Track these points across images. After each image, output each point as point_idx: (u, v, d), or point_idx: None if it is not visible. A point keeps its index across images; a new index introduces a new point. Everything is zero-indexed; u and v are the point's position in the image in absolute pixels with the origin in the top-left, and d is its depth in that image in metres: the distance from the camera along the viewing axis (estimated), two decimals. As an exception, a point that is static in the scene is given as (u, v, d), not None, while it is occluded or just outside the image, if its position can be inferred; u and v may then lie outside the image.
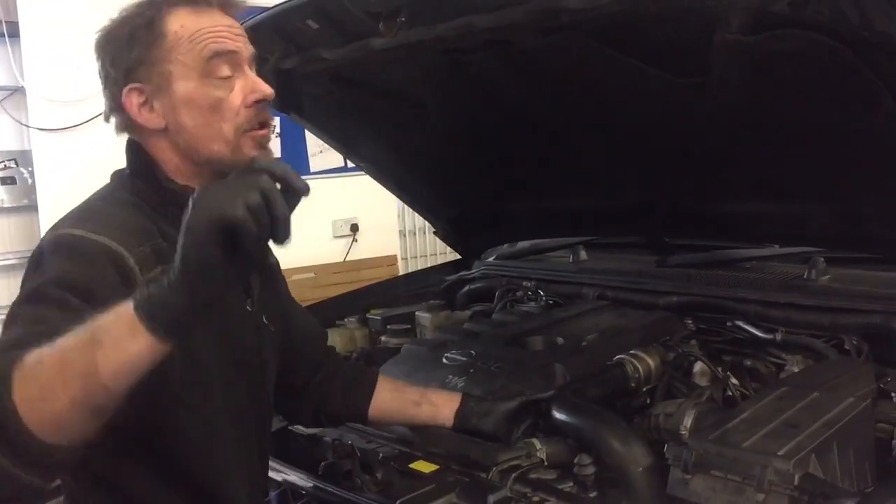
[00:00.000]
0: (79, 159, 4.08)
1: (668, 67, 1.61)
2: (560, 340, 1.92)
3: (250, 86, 1.28)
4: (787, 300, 1.88)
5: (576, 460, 1.41)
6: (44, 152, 4.26)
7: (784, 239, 2.09)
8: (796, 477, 1.18)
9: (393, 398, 1.65)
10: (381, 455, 1.52)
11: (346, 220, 5.26)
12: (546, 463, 1.45)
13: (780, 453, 1.22)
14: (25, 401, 0.96)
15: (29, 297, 1.13)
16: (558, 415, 1.53)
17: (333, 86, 2.10)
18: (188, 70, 1.26)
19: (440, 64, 1.87)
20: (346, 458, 1.53)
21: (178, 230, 0.99)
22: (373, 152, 2.50)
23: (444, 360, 1.81)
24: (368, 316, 2.37)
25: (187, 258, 0.97)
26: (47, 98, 4.19)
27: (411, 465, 1.49)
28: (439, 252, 5.50)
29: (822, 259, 1.97)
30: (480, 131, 2.17)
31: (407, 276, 3.07)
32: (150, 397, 1.09)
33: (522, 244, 2.72)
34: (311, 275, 4.92)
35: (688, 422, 1.49)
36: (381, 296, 2.53)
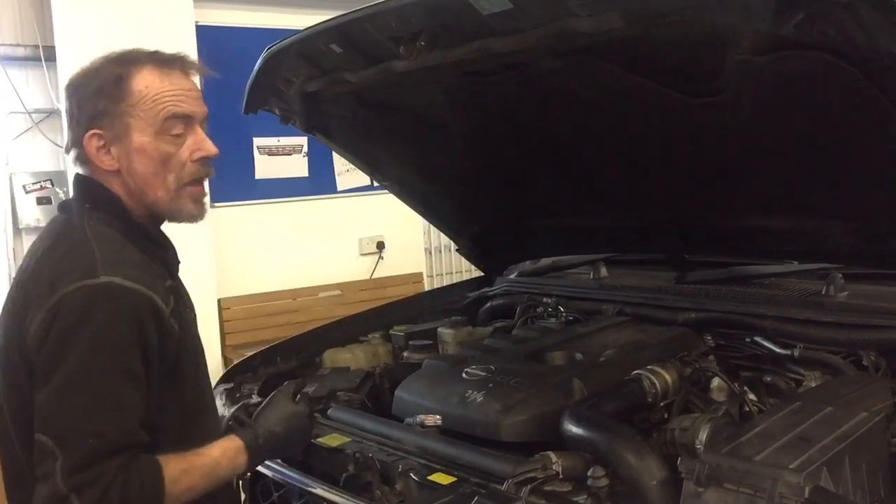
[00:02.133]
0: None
1: (683, 88, 1.65)
2: (579, 356, 1.94)
3: (197, 144, 1.47)
4: (805, 316, 1.89)
5: (589, 472, 1.43)
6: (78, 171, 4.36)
7: (802, 255, 2.10)
8: (807, 490, 1.19)
9: None
10: (400, 467, 1.55)
11: (373, 238, 5.32)
12: (561, 475, 1.47)
13: (791, 466, 1.23)
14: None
15: (98, 367, 1.30)
16: (574, 428, 1.56)
17: (357, 107, 2.16)
18: (146, 125, 1.43)
19: (460, 86, 1.92)
20: (367, 470, 1.56)
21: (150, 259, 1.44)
22: (396, 171, 2.56)
23: (464, 375, 1.85)
24: (391, 332, 2.41)
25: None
26: (82, 119, 4.30)
27: (430, 477, 1.52)
28: (465, 269, 5.52)
29: (840, 275, 1.97)
30: (501, 151, 2.21)
31: (430, 292, 3.11)
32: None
33: (544, 261, 2.75)
34: (338, 292, 4.98)
35: (703, 436, 1.51)
36: (404, 312, 2.57)
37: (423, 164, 2.47)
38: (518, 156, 2.20)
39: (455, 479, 1.51)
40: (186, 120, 1.46)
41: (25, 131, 4.44)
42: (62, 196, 4.52)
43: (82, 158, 1.48)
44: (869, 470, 1.34)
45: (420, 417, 1.73)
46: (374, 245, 5.34)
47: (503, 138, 2.15)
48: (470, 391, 1.77)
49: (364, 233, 5.30)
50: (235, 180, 4.71)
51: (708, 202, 2.04)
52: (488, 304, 2.62)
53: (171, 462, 1.35)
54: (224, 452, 1.45)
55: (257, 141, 4.88)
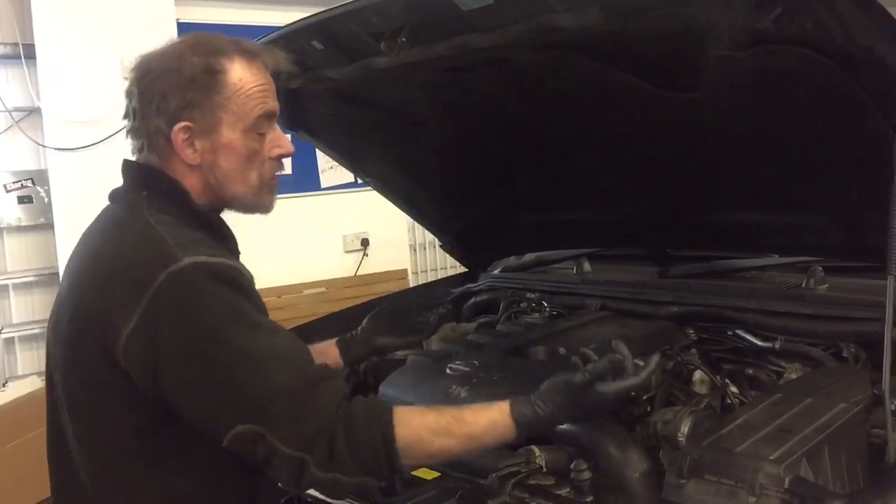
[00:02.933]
0: (94, 178, 4.15)
1: (664, 83, 1.65)
2: (562, 350, 1.95)
3: (276, 141, 1.45)
4: (786, 309, 1.90)
5: (572, 466, 1.44)
6: (59, 171, 4.34)
7: (783, 249, 2.12)
8: (787, 480, 1.20)
9: None
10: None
11: (357, 235, 5.32)
12: (544, 469, 1.48)
13: (771, 457, 1.24)
14: (409, 458, 1.30)
15: (235, 336, 1.25)
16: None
17: (339, 104, 2.16)
18: (236, 121, 1.38)
19: (442, 82, 1.92)
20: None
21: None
22: (379, 168, 2.56)
23: (448, 371, 1.85)
24: (375, 328, 2.40)
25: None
26: (62, 118, 4.28)
27: (414, 472, 1.53)
28: (450, 266, 5.54)
29: (821, 268, 1.99)
30: (483, 147, 2.21)
31: (414, 289, 3.11)
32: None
33: (527, 256, 2.76)
34: (323, 289, 4.97)
35: (685, 428, 1.51)
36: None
37: (405, 161, 2.47)
38: (500, 152, 2.20)
39: (439, 474, 1.51)
40: (272, 117, 1.44)
41: (5, 130, 4.41)
42: (42, 195, 4.49)
43: (161, 150, 1.40)
44: (848, 460, 1.35)
45: (404, 413, 1.73)
46: (359, 242, 5.34)
47: (485, 134, 2.15)
48: (454, 387, 1.78)
49: (348, 230, 5.30)
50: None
51: (689, 197, 2.05)
52: (472, 300, 2.62)
53: (419, 415, 1.32)
54: (492, 426, 1.34)
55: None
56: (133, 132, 1.42)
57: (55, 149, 4.31)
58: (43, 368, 1.48)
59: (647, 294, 2.20)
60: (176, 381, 1.24)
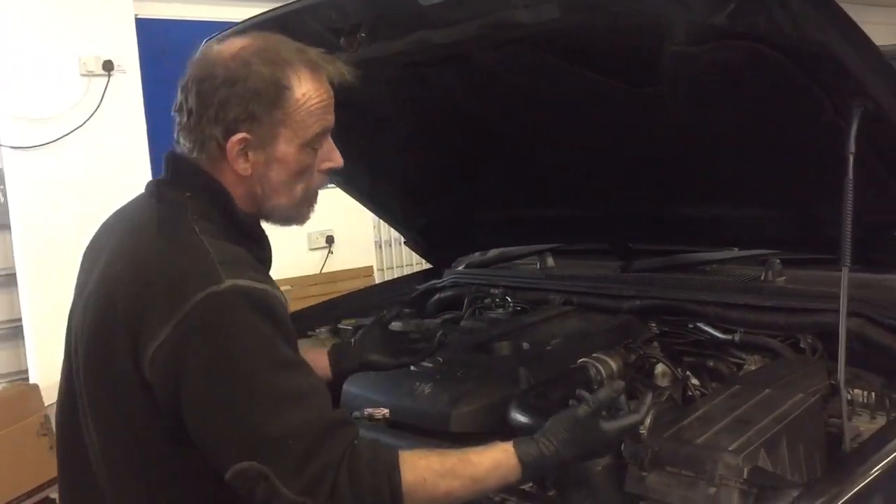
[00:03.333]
0: (51, 177, 4.08)
1: (622, 78, 1.67)
2: (526, 346, 1.96)
3: (328, 154, 1.41)
4: (745, 302, 1.93)
5: (535, 460, 1.44)
6: (15, 171, 4.25)
7: (742, 242, 2.14)
8: (745, 470, 1.22)
9: None
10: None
11: (322, 233, 5.28)
12: (508, 464, 1.48)
13: (730, 448, 1.26)
14: (414, 501, 1.25)
15: (261, 369, 1.22)
16: (521, 417, 1.57)
17: (300, 100, 2.13)
18: (294, 136, 1.34)
19: (403, 78, 1.92)
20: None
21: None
22: (342, 166, 2.53)
23: (412, 368, 1.85)
24: (339, 326, 2.40)
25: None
26: (18, 116, 4.19)
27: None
28: (416, 263, 5.52)
29: (778, 261, 2.02)
30: (446, 143, 2.21)
31: (379, 285, 3.11)
32: None
33: (491, 252, 2.76)
34: (288, 287, 4.93)
35: (647, 421, 1.53)
36: (352, 306, 2.56)
37: (369, 158, 2.45)
38: (463, 148, 2.20)
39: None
40: (328, 132, 1.40)
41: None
42: (0, 197, 4.40)
43: (206, 151, 1.34)
44: (806, 449, 1.38)
45: (368, 410, 1.72)
46: (324, 239, 5.30)
47: (448, 130, 2.15)
48: (418, 383, 1.78)
49: (313, 227, 5.24)
50: (180, 176, 4.63)
51: (650, 191, 2.07)
52: (436, 297, 2.62)
53: (423, 458, 1.27)
54: (497, 467, 1.29)
55: (202, 136, 4.80)
56: (185, 131, 1.35)
57: (11, 147, 4.22)
58: (2, 369, 1.44)
59: (609, 288, 2.22)
60: (193, 402, 1.22)
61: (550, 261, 2.57)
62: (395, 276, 5.03)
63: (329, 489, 1.20)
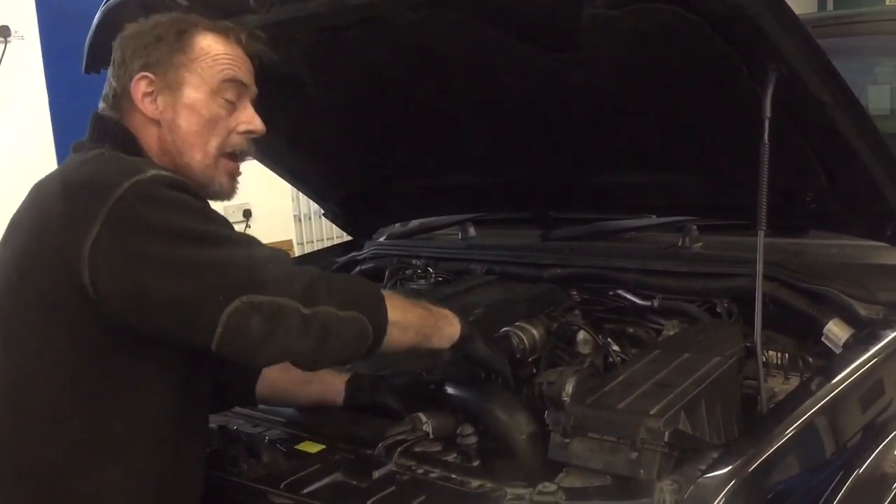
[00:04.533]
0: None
1: (541, 43, 1.64)
2: (449, 316, 1.94)
3: (247, 117, 1.46)
4: (663, 268, 1.95)
5: (458, 431, 1.43)
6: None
7: (660, 209, 2.17)
8: (666, 434, 1.23)
9: (281, 377, 1.63)
10: (266, 438, 1.51)
11: (239, 206, 5.15)
12: (431, 436, 1.47)
13: (651, 412, 1.27)
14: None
15: (227, 224, 1.30)
16: (445, 388, 1.55)
17: (209, 66, 2.04)
18: (201, 82, 1.41)
19: (318, 42, 1.84)
20: (232, 443, 1.51)
21: None
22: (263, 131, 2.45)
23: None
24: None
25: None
26: None
27: (298, 447, 1.49)
28: (336, 236, 5.45)
29: (695, 227, 2.05)
30: (364, 111, 2.15)
31: (299, 258, 3.03)
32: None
33: (412, 223, 2.73)
34: (204, 263, 4.81)
35: (569, 388, 1.53)
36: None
37: (283, 127, 2.36)
38: (381, 116, 2.15)
39: (323, 447, 1.48)
40: (241, 88, 1.45)
41: None
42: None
43: (119, 105, 1.43)
44: (724, 411, 1.40)
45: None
46: (241, 213, 5.18)
47: (365, 98, 2.09)
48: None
49: (229, 201, 5.13)
50: (86, 149, 4.44)
51: (570, 159, 2.06)
52: (357, 269, 2.57)
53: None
54: (446, 322, 1.48)
55: (109, 106, 4.61)
56: (104, 94, 1.46)
57: None
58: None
59: (531, 257, 2.22)
60: (153, 281, 1.20)
61: (472, 231, 2.55)
62: (316, 250, 4.98)
63: (326, 289, 1.28)
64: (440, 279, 2.33)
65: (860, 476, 1.27)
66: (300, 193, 5.17)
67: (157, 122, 1.41)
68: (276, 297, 1.22)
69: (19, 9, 4.15)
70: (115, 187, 1.21)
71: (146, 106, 1.40)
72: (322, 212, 2.83)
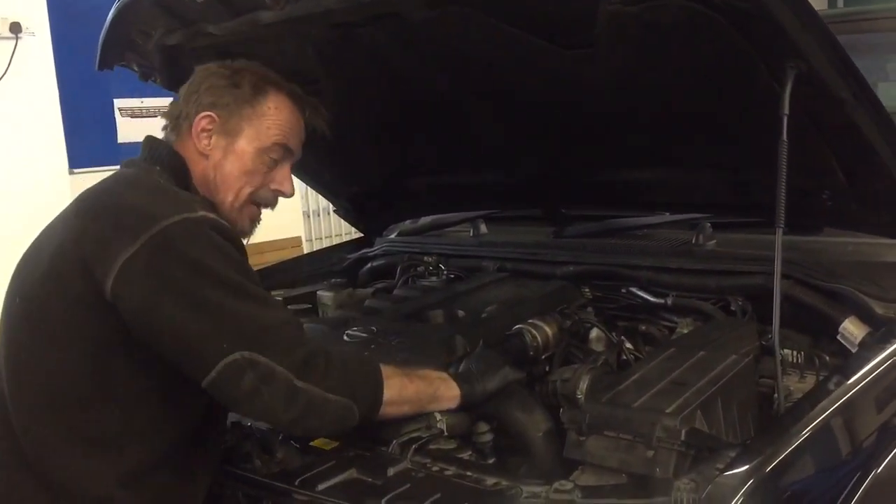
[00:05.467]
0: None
1: (557, 39, 1.63)
2: (461, 313, 1.94)
3: (281, 178, 1.59)
4: (677, 265, 1.94)
5: (474, 428, 1.43)
6: None
7: (673, 206, 2.16)
8: (683, 432, 1.23)
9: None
10: (280, 435, 1.50)
11: (247, 203, 5.15)
12: (446, 433, 1.47)
13: (667, 411, 1.26)
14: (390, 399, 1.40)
15: (241, 276, 1.33)
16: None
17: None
18: (255, 137, 1.53)
19: (332, 38, 1.84)
20: (246, 439, 1.50)
21: None
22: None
23: (346, 338, 1.80)
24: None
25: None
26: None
27: (312, 443, 1.48)
28: (345, 232, 5.45)
29: (709, 225, 2.04)
30: (377, 107, 2.15)
31: (308, 255, 3.03)
32: None
33: (424, 220, 2.72)
34: (213, 259, 4.81)
35: (583, 386, 1.53)
36: (282, 276, 2.50)
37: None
38: (395, 113, 2.15)
39: (337, 443, 1.47)
40: (287, 154, 1.58)
41: None
42: None
43: (179, 127, 1.54)
44: (739, 409, 1.39)
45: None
46: (250, 210, 5.18)
47: (378, 94, 2.09)
48: (351, 353, 1.73)
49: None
50: (96, 144, 4.44)
51: (584, 156, 2.06)
52: (368, 266, 2.57)
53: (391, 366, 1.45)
54: (445, 388, 1.48)
55: (118, 102, 4.62)
56: (169, 114, 1.57)
57: None
58: None
59: (543, 254, 2.21)
60: (171, 307, 1.27)
61: (483, 228, 2.55)
62: (325, 247, 4.98)
63: (323, 368, 1.32)
64: (452, 276, 2.33)
65: (878, 476, 1.26)
66: (309, 189, 5.17)
67: (206, 156, 1.52)
68: (273, 362, 1.27)
69: (30, 5, 4.15)
70: (163, 218, 1.30)
71: (200, 140, 1.51)
72: (332, 208, 2.82)
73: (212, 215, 1.37)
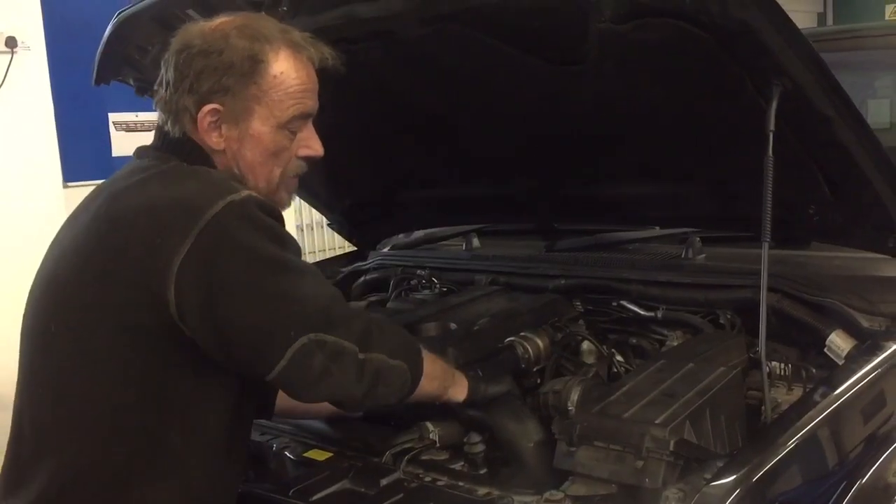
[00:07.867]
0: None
1: (548, 56, 1.66)
2: (453, 326, 1.95)
3: (307, 140, 1.43)
4: (667, 279, 1.96)
5: (465, 439, 1.45)
6: None
7: (663, 220, 2.19)
8: (672, 443, 1.24)
9: None
10: (274, 446, 1.52)
11: (242, 217, 5.17)
12: (438, 444, 1.48)
13: (656, 422, 1.28)
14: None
15: (293, 268, 1.28)
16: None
17: (219, 77, 2.06)
18: (269, 115, 1.36)
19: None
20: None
21: None
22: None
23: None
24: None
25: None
26: None
27: (305, 454, 1.50)
28: (339, 246, 5.47)
29: (698, 239, 2.07)
30: (371, 122, 2.17)
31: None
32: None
33: (417, 234, 2.74)
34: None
35: (574, 397, 1.55)
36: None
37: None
38: (389, 127, 2.17)
39: (331, 454, 1.49)
40: (308, 117, 1.42)
41: None
42: None
43: (181, 126, 1.37)
44: (727, 421, 1.41)
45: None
46: (244, 223, 5.19)
47: (373, 109, 2.11)
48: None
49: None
50: (90, 158, 4.45)
51: (575, 171, 2.08)
52: (362, 279, 2.59)
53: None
54: (458, 376, 1.50)
55: (113, 116, 4.63)
56: (161, 103, 1.39)
57: None
58: None
59: (535, 268, 2.23)
60: (233, 305, 1.22)
61: (476, 241, 2.57)
62: (320, 260, 4.99)
63: (378, 336, 1.31)
64: (444, 289, 2.34)
65: (863, 486, 1.28)
66: (304, 203, 5.19)
67: (222, 152, 1.37)
68: (340, 338, 1.25)
69: (26, 19, 4.17)
70: (208, 207, 1.22)
71: (210, 136, 1.36)
72: (326, 222, 2.84)
73: (254, 193, 1.29)
